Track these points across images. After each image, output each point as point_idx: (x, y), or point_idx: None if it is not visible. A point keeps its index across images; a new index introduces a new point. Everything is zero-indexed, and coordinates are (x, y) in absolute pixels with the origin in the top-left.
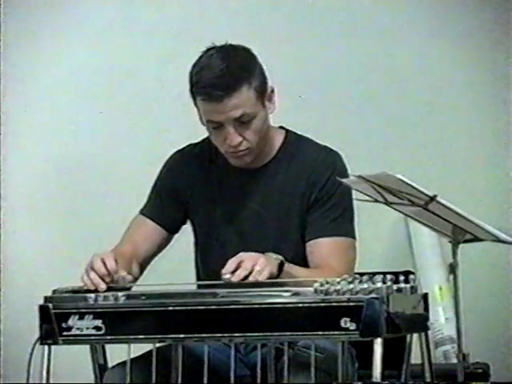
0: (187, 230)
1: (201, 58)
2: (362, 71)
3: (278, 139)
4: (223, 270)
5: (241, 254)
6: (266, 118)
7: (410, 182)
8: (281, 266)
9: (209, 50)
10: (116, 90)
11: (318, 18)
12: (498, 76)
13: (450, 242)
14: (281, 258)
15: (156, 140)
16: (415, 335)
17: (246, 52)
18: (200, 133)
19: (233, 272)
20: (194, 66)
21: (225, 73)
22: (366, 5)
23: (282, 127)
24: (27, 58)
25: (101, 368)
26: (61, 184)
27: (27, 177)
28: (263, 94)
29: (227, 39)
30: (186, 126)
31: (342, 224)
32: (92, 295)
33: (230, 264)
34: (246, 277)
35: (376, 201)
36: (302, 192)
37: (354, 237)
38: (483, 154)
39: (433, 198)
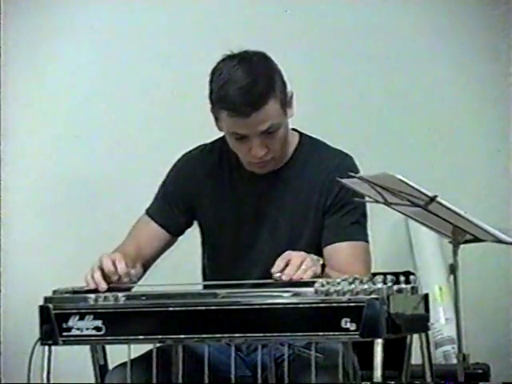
0: (189, 230)
1: (221, 68)
2: (361, 70)
3: (293, 142)
4: (273, 269)
5: (289, 252)
6: (288, 125)
7: (410, 182)
8: (322, 266)
9: (227, 58)
10: (116, 92)
11: (326, 22)
12: (499, 76)
13: (450, 242)
14: (321, 259)
15: (157, 142)
16: (415, 336)
17: (266, 59)
18: (208, 135)
19: (282, 270)
20: (216, 78)
21: (252, 87)
22: (377, 9)
23: (294, 129)
24: (30, 65)
25: (101, 368)
26: (61, 184)
27: (27, 177)
28: (285, 101)
29: (238, 44)
30: (189, 130)
31: (359, 229)
32: (92, 295)
33: (279, 263)
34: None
35: (376, 201)
36: (317, 197)
37: (368, 241)
38: (483, 154)
39: (433, 199)
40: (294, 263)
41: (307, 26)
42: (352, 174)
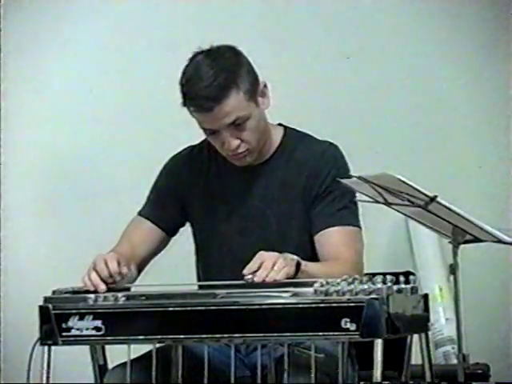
0: (187, 230)
1: (188, 66)
2: (361, 70)
3: (277, 136)
4: (245, 271)
5: (261, 252)
6: (262, 115)
7: (410, 182)
8: (298, 265)
9: (195, 56)
10: (116, 91)
11: (316, 17)
12: (498, 76)
13: (450, 242)
14: (296, 258)
15: (157, 141)
16: (415, 336)
17: (233, 53)
18: (201, 134)
19: (254, 272)
20: (183, 75)
21: (212, 82)
22: (367, 5)
23: (280, 124)
24: (27, 57)
25: (101, 368)
26: (61, 184)
27: (27, 177)
28: (255, 92)
29: (225, 42)
30: (187, 128)
31: (348, 214)
32: (92, 296)
33: (252, 264)
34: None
35: (376, 201)
36: (302, 186)
37: (360, 227)
38: (483, 154)
39: (433, 199)
40: (266, 265)
41: (305, 23)
42: (352, 174)
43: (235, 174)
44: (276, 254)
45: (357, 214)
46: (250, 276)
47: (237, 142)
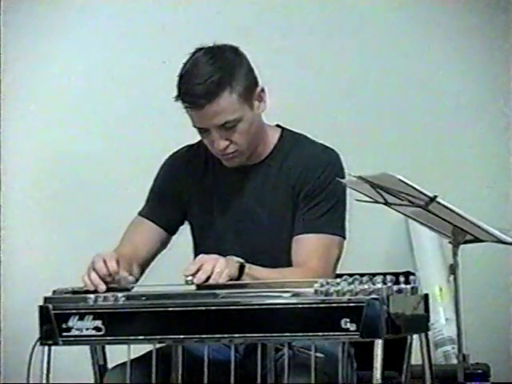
0: (187, 230)
1: (187, 61)
2: (360, 70)
3: (274, 137)
4: (184, 272)
5: (201, 255)
6: (255, 119)
7: (410, 182)
8: (242, 268)
9: (195, 52)
10: (116, 91)
11: (317, 16)
12: (498, 76)
13: (450, 242)
14: (241, 260)
15: (156, 141)
16: (415, 336)
17: (233, 53)
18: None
19: (194, 274)
20: (181, 69)
21: (206, 80)
22: (366, 5)
23: (278, 125)
24: (27, 57)
25: (101, 368)
26: (61, 184)
27: (27, 177)
28: (250, 95)
29: (226, 41)
30: (187, 127)
31: (329, 221)
32: (92, 296)
33: (191, 266)
34: (208, 279)
35: (376, 201)
36: (292, 188)
37: (341, 235)
38: (483, 154)
39: (433, 199)
40: (205, 268)
41: (302, 23)
42: (352, 174)
43: (230, 173)
44: (216, 256)
45: (340, 221)
46: (189, 278)
47: (225, 143)
